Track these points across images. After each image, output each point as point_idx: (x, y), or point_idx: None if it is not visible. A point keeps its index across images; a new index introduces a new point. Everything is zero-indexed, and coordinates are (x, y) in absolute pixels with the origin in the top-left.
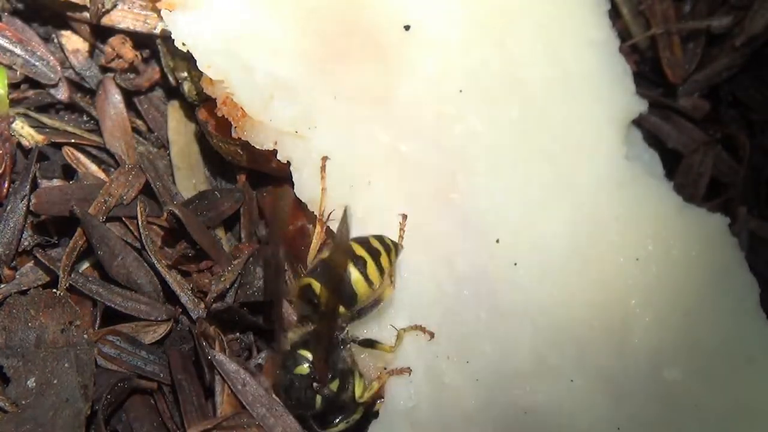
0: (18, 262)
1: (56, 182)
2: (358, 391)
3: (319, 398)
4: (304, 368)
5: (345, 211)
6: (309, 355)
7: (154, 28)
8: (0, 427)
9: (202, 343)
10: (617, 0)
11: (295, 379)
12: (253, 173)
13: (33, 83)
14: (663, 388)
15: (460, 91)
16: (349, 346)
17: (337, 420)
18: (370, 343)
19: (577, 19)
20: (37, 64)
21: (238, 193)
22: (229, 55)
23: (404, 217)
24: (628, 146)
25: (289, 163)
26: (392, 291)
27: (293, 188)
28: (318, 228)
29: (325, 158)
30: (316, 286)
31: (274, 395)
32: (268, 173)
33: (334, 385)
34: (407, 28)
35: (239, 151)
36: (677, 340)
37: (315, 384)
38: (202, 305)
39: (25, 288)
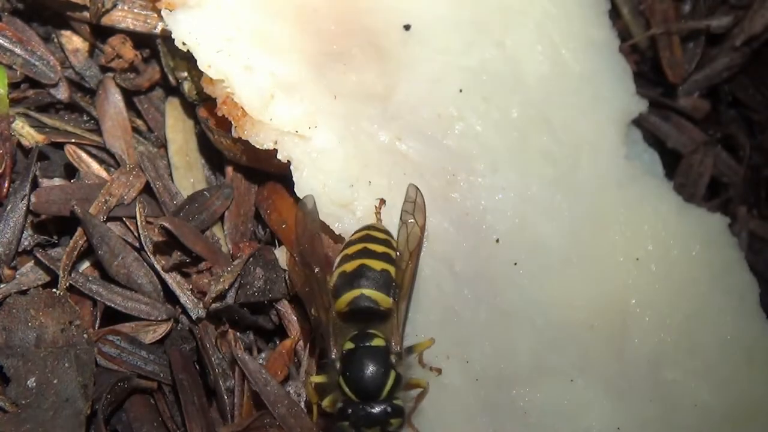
0: (18, 262)
1: (56, 182)
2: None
3: (393, 374)
4: (380, 340)
5: None
6: (380, 333)
7: (154, 28)
8: (0, 427)
9: (207, 344)
10: (617, 0)
11: (371, 351)
12: (248, 169)
13: (33, 83)
14: (663, 388)
15: (460, 91)
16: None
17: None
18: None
19: (577, 19)
20: (37, 63)
21: (227, 189)
22: (229, 54)
23: (382, 201)
24: (628, 146)
25: (289, 163)
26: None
27: (293, 187)
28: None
29: (382, 201)
30: (369, 293)
31: (292, 395)
32: (269, 171)
33: (401, 368)
34: (407, 28)
35: (240, 146)
36: (677, 340)
37: (392, 355)
38: (202, 305)
39: (25, 288)
